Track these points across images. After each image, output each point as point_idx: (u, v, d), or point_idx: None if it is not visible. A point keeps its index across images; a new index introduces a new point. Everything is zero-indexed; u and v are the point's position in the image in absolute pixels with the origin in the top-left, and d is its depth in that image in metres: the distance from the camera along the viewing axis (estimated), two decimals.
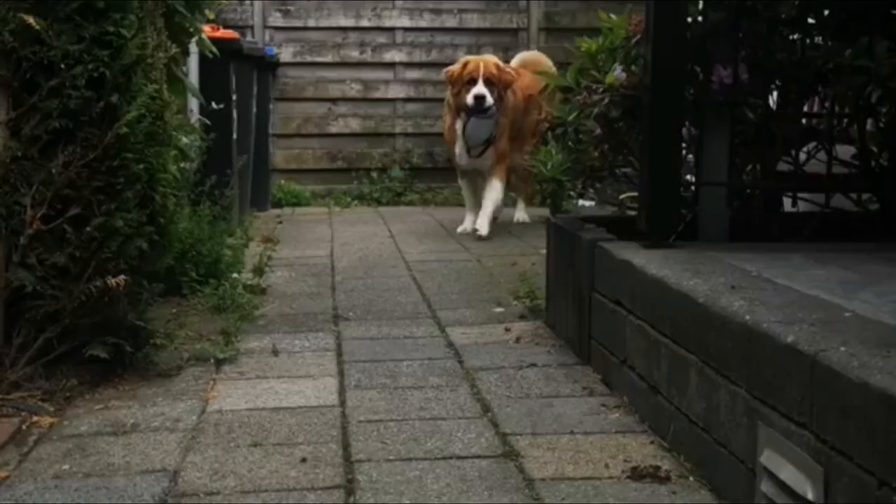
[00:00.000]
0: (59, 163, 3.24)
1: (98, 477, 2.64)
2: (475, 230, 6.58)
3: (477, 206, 6.88)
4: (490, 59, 6.85)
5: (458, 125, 6.78)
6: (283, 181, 9.20)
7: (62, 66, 3.22)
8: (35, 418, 3.06)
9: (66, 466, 2.72)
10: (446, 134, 7.08)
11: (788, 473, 2.11)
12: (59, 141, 3.25)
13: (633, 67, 3.72)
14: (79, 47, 3.23)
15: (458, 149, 6.85)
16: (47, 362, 3.30)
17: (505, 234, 6.73)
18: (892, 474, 1.77)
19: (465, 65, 6.74)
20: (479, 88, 6.55)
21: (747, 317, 2.37)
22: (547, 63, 7.25)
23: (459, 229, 6.91)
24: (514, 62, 7.46)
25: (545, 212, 6.47)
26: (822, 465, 1.99)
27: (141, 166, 3.39)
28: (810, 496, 2.02)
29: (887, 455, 1.79)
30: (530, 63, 7.25)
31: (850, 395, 1.90)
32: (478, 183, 7.01)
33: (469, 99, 6.57)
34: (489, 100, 6.56)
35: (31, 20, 3.18)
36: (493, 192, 6.75)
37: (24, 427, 3.01)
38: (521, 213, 7.48)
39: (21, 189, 3.24)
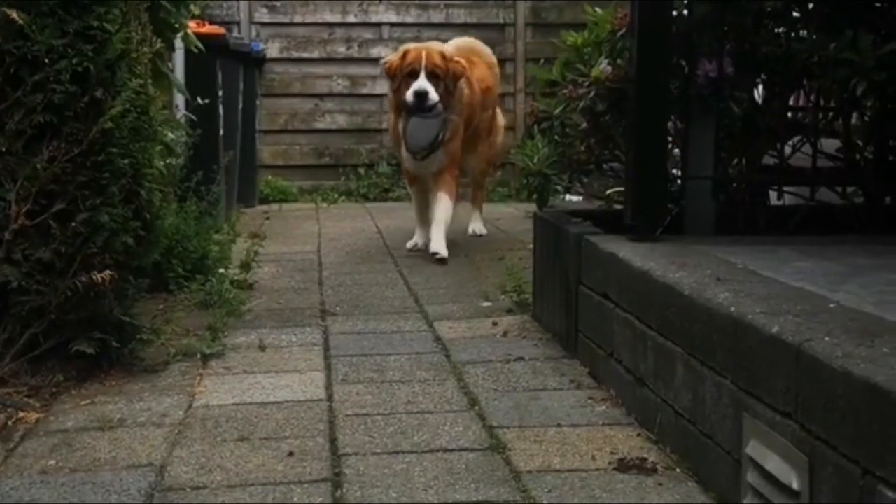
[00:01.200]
0: (44, 158, 3.22)
1: (84, 472, 2.63)
2: (434, 253, 5.53)
3: (426, 218, 5.87)
4: (435, 47, 5.82)
5: (401, 125, 5.78)
6: (270, 177, 9.19)
7: (46, 60, 3.21)
8: (21, 414, 3.05)
9: (52, 462, 2.71)
10: (391, 134, 6.25)
11: (774, 463, 2.12)
12: (43, 136, 3.24)
13: (618, 61, 3.73)
14: (63, 42, 3.22)
15: (404, 151, 5.84)
16: (33, 358, 3.29)
17: (492, 230, 6.72)
18: (876, 463, 1.78)
19: (404, 55, 5.70)
20: (421, 83, 5.54)
21: (732, 308, 2.38)
22: (484, 51, 6.54)
23: (409, 245, 6.01)
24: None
25: (532, 206, 6.46)
26: (807, 455, 2.00)
27: (126, 161, 3.38)
28: (795, 486, 2.03)
29: (871, 444, 1.79)
30: (464, 51, 6.20)
31: (835, 384, 1.91)
32: (428, 190, 5.99)
33: (409, 95, 5.55)
34: (433, 96, 5.55)
35: (14, 14, 3.17)
36: (442, 208, 5.71)
37: (9, 423, 2.99)
38: (476, 224, 6.59)
39: (5, 184, 3.23)
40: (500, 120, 6.78)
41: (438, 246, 5.56)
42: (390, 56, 5.85)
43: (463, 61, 5.76)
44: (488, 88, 6.24)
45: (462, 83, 5.77)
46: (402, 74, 5.64)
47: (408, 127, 5.66)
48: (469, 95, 5.87)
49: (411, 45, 5.86)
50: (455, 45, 6.28)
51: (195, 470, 2.64)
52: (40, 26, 3.21)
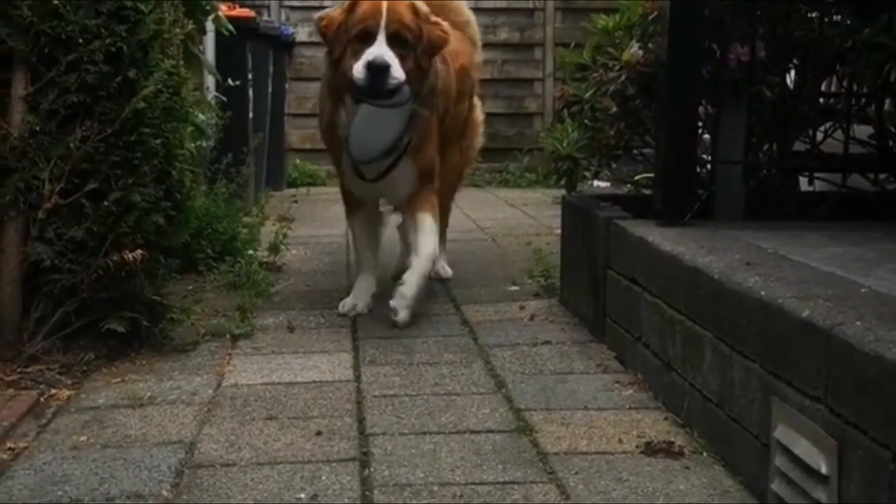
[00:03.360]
0: (77, 137, 3.25)
1: (115, 448, 2.67)
2: (395, 313, 3.80)
3: (374, 262, 4.18)
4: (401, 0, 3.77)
5: (343, 118, 3.81)
6: (298, 161, 9.22)
7: (80, 40, 3.23)
8: (53, 391, 3.09)
9: (83, 438, 2.74)
10: (323, 132, 4.11)
11: (802, 448, 2.12)
12: (76, 115, 3.27)
13: (649, 45, 3.71)
14: (96, 22, 3.24)
15: (345, 161, 3.93)
16: (65, 336, 3.32)
17: (519, 215, 6.72)
18: None
19: (352, 6, 3.74)
20: (379, 50, 3.61)
21: (763, 292, 2.37)
22: (457, 6, 4.49)
23: (343, 308, 4.06)
24: None
25: (559, 192, 6.46)
26: (837, 439, 1.99)
27: (158, 141, 3.40)
28: (824, 470, 2.03)
29: None
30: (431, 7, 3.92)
31: (866, 368, 1.90)
32: (377, 223, 4.28)
33: (357, 70, 3.62)
34: (396, 72, 3.62)
35: None
36: (425, 237, 3.88)
37: (42, 399, 3.03)
38: (441, 264, 4.63)
39: (39, 164, 3.26)
40: (479, 115, 4.68)
41: (402, 301, 3.81)
42: (330, 9, 3.89)
43: (445, 24, 3.86)
44: (463, 69, 4.27)
45: (437, 60, 3.87)
46: (349, 37, 3.69)
47: (353, 122, 3.70)
48: (445, 77, 3.98)
49: None
50: None
51: (224, 447, 2.66)
52: (74, 6, 3.23)
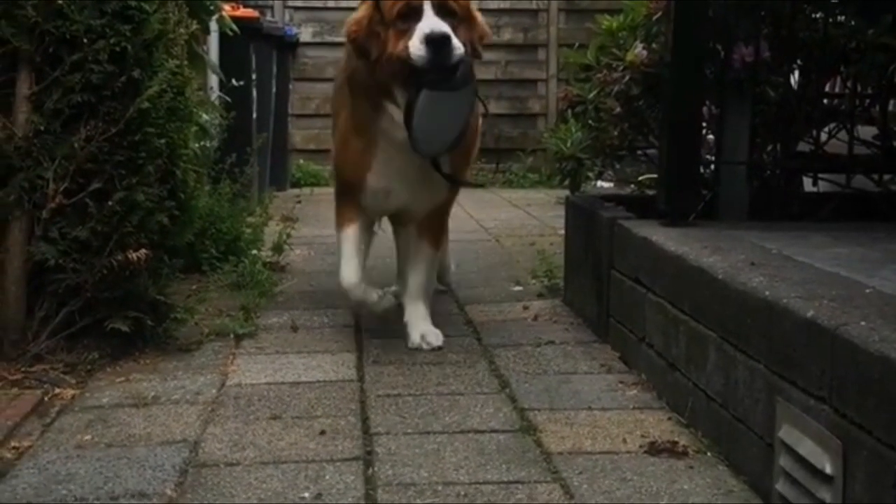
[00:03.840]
0: (82, 137, 3.25)
1: (119, 447, 2.67)
2: (422, 344, 3.55)
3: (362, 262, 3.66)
4: None
5: (389, 117, 3.33)
6: (301, 161, 9.22)
7: (84, 40, 3.23)
8: (57, 390, 3.09)
9: (87, 437, 2.74)
10: (345, 146, 3.60)
11: (807, 448, 2.11)
12: (81, 115, 3.27)
13: (653, 45, 3.71)
14: (101, 22, 3.25)
15: (376, 173, 3.49)
16: (69, 335, 3.33)
17: (522, 215, 6.72)
18: None
19: None
20: (433, 21, 3.18)
21: (767, 292, 2.37)
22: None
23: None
24: None
25: (562, 193, 6.45)
26: (841, 440, 1.99)
27: (162, 141, 3.40)
28: (829, 470, 2.02)
29: None
30: None
31: (870, 368, 1.90)
32: (368, 240, 3.72)
33: (415, 46, 3.15)
34: (457, 43, 3.18)
35: None
36: (421, 268, 3.68)
37: (46, 398, 3.03)
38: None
39: (43, 163, 3.26)
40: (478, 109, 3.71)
41: (427, 328, 3.60)
42: (356, 13, 3.43)
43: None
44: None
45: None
46: (390, 20, 3.24)
47: (416, 112, 3.20)
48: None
49: None
50: None
51: (228, 447, 2.67)
52: (79, 6, 3.23)
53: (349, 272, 3.57)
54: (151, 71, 3.36)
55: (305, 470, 2.51)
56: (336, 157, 3.72)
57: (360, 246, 3.61)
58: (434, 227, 3.70)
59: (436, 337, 3.57)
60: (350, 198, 3.62)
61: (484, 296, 4.42)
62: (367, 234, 3.70)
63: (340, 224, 3.66)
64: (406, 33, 3.19)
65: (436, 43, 3.13)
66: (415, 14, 3.20)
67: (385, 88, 3.31)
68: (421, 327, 3.59)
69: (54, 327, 3.31)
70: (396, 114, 3.30)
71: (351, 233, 3.61)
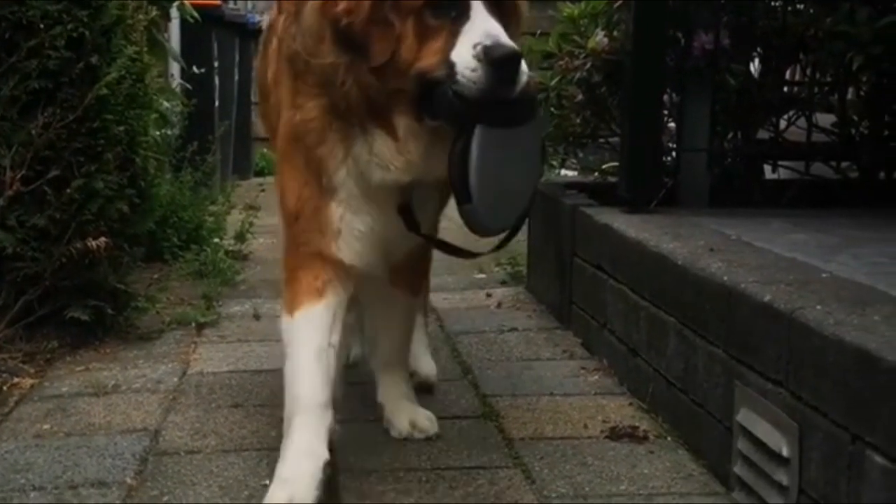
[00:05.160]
0: (39, 124, 3.22)
1: (79, 436, 2.65)
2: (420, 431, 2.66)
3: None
4: None
5: (367, 147, 2.24)
6: (265, 150, 9.16)
7: (41, 26, 3.20)
8: (16, 380, 3.06)
9: (46, 426, 2.72)
10: (294, 171, 2.38)
11: (764, 431, 2.14)
12: (38, 102, 3.24)
13: (615, 32, 3.72)
14: (58, 7, 3.21)
15: (357, 244, 2.39)
16: (28, 324, 3.30)
17: None
18: (866, 429, 1.79)
19: None
20: (490, 25, 2.11)
21: (725, 278, 2.39)
22: None
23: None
24: None
25: None
26: (797, 422, 2.02)
27: (121, 128, 3.38)
28: (785, 452, 2.05)
29: (861, 410, 1.81)
30: None
31: (826, 352, 1.92)
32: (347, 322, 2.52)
33: (467, 65, 2.08)
34: (524, 68, 2.15)
35: None
36: (396, 321, 2.76)
37: (4, 388, 3.00)
38: (425, 361, 3.04)
39: (0, 150, 3.22)
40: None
41: (415, 412, 2.69)
42: None
43: None
44: None
45: None
46: (416, 7, 2.12)
47: (471, 162, 2.15)
48: None
49: None
50: None
51: (189, 435, 2.65)
52: None
53: (311, 387, 2.32)
54: (110, 57, 3.33)
55: (267, 457, 2.50)
56: (281, 182, 2.45)
57: (329, 340, 2.36)
58: (414, 269, 2.74)
59: (430, 421, 2.66)
60: (311, 247, 2.37)
61: (447, 283, 4.42)
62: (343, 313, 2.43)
63: (292, 301, 2.36)
64: (439, 34, 2.12)
65: (502, 64, 2.09)
66: (456, 8, 2.12)
67: (377, 105, 2.19)
68: (408, 411, 2.68)
69: (12, 316, 3.27)
70: (386, 146, 2.22)
71: (314, 316, 2.35)
